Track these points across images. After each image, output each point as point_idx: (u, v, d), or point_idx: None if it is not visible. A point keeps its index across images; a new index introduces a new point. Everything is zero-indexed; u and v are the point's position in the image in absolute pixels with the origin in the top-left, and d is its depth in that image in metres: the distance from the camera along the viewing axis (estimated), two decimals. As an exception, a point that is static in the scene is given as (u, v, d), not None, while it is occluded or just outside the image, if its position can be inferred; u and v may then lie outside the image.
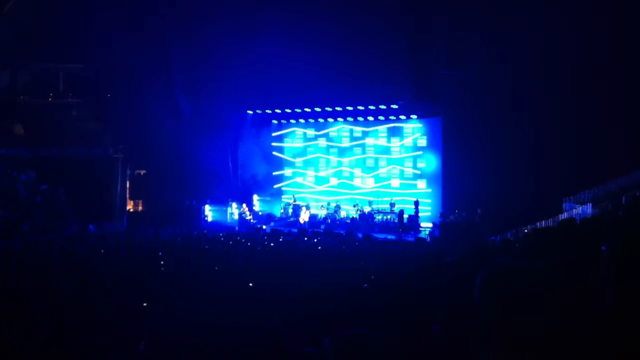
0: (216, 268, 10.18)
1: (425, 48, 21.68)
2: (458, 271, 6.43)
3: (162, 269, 10.47)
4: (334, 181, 27.16)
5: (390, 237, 20.22)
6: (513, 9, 18.84)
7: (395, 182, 25.74)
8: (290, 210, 25.91)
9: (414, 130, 25.41)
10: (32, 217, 21.02)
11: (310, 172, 27.76)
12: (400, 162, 25.72)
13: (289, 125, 28.28)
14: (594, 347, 2.26)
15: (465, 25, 20.31)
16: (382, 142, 26.13)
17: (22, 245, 16.41)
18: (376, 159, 26.28)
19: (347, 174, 26.86)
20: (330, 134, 27.25)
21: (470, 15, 20.18)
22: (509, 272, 2.20)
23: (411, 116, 24.92)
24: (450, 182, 22.91)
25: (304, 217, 24.70)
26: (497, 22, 19.05)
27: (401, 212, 22.92)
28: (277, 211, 27.08)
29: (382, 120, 25.82)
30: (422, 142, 25.20)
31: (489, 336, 2.15)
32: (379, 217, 24.03)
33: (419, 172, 25.23)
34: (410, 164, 25.44)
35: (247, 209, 26.07)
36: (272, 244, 15.65)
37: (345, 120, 26.65)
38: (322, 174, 27.50)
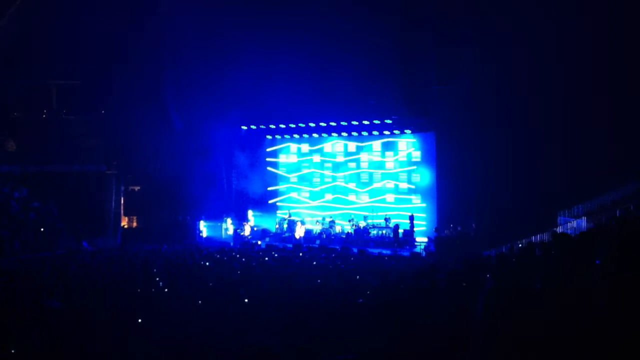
0: (210, 284, 10.11)
1: (417, 63, 21.80)
2: (452, 285, 6.41)
3: (157, 285, 10.39)
4: (328, 196, 27.16)
5: (385, 252, 20.18)
6: (503, 24, 18.98)
7: (390, 197, 25.75)
8: (285, 226, 25.87)
9: (408, 145, 25.48)
10: (25, 234, 20.88)
11: (305, 188, 27.76)
12: (394, 176, 25.76)
13: (283, 140, 28.32)
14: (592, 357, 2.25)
15: (456, 40, 20.44)
16: (377, 157, 26.17)
17: (14, 263, 16.27)
18: (371, 174, 26.32)
19: (342, 189, 26.86)
20: (325, 149, 27.32)
21: (459, 31, 20.34)
22: (509, 291, 2.20)
23: (405, 131, 24.99)
24: (445, 197, 22.93)
25: (299, 232, 24.66)
26: (487, 37, 19.18)
27: (396, 226, 22.92)
28: (272, 226, 27.03)
29: (376, 135, 25.88)
30: (417, 156, 25.27)
31: (491, 351, 2.14)
32: (374, 232, 24.02)
33: (413, 186, 25.27)
34: (405, 179, 25.48)
35: (247, 224, 26.02)
36: (266, 259, 15.59)
37: (339, 135, 26.70)
38: (316, 189, 27.51)
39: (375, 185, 26.15)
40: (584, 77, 17.46)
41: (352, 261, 15.72)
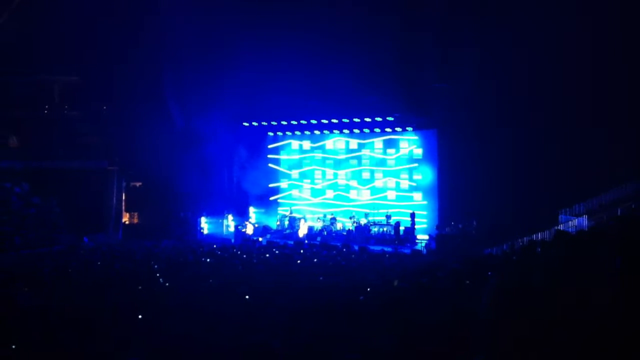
0: (210, 281, 10.12)
1: (419, 62, 21.79)
2: (454, 284, 6.41)
3: (157, 281, 10.40)
4: (329, 193, 27.16)
5: (386, 249, 20.16)
6: (503, 24, 18.99)
7: (391, 194, 25.75)
8: (287, 223, 25.87)
9: (409, 142, 25.47)
10: (25, 230, 20.90)
11: (306, 185, 27.74)
12: (396, 174, 25.76)
13: (284, 137, 28.32)
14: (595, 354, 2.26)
15: (457, 39, 20.45)
16: (378, 154, 26.17)
17: (14, 258, 16.29)
18: (372, 171, 26.32)
19: (343, 186, 26.86)
20: (326, 146, 27.31)
21: (461, 30, 20.34)
22: (511, 290, 2.20)
23: (407, 128, 24.98)
24: (446, 194, 22.95)
25: (303, 230, 24.65)
26: (488, 37, 19.18)
27: (397, 224, 22.91)
28: (273, 223, 27.04)
29: (377, 132, 25.86)
30: (418, 154, 25.26)
31: (493, 350, 2.14)
32: (375, 229, 24.00)
33: (414, 184, 25.26)
34: (406, 176, 25.47)
35: (249, 223, 26.03)
36: (267, 256, 15.59)
37: (341, 132, 26.69)
38: (317, 186, 27.49)
39: (377, 182, 26.14)
40: (584, 77, 17.45)
41: (353, 259, 15.73)
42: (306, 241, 22.36)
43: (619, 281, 2.58)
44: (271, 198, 28.28)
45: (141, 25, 23.21)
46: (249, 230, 25.67)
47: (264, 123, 27.37)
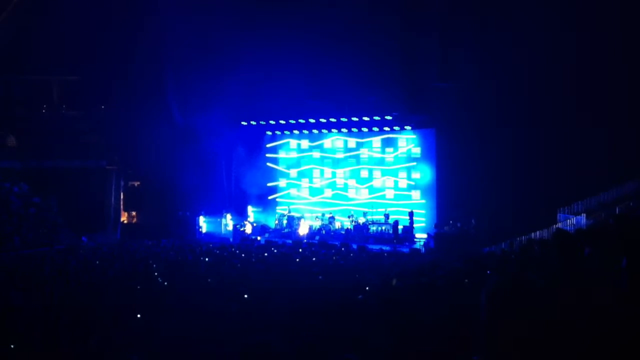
0: (209, 280, 10.13)
1: (418, 61, 21.81)
2: (453, 284, 6.42)
3: (157, 281, 10.41)
4: (328, 192, 27.14)
5: (385, 248, 20.17)
6: (503, 24, 19.01)
7: (390, 193, 25.74)
8: (285, 222, 25.85)
9: (407, 141, 25.43)
10: (24, 230, 20.89)
11: (305, 184, 27.72)
12: (394, 173, 25.74)
13: (283, 136, 28.30)
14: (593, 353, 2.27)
15: (457, 39, 20.47)
16: (377, 153, 26.15)
17: (13, 258, 16.28)
18: (370, 170, 26.30)
19: (342, 185, 26.84)
20: (325, 145, 27.29)
21: (461, 29, 20.37)
22: (510, 289, 2.21)
23: (405, 127, 24.95)
24: (445, 193, 22.94)
25: (303, 228, 24.61)
26: (488, 36, 19.21)
27: (396, 223, 22.87)
28: (272, 222, 27.02)
29: (376, 131, 25.84)
30: (416, 152, 25.22)
31: (493, 348, 2.15)
32: (373, 228, 23.98)
33: (413, 182, 25.24)
34: (405, 175, 25.45)
35: (248, 222, 26.02)
36: (266, 255, 15.61)
37: (339, 131, 26.66)
38: (316, 185, 27.47)
39: (375, 181, 26.12)
40: (584, 77, 17.47)
41: (351, 257, 15.75)
42: (305, 240, 22.35)
43: (624, 281, 2.60)
44: (269, 197, 28.25)
45: (141, 25, 23.19)
46: (248, 229, 25.66)
47: (263, 122, 27.31)
